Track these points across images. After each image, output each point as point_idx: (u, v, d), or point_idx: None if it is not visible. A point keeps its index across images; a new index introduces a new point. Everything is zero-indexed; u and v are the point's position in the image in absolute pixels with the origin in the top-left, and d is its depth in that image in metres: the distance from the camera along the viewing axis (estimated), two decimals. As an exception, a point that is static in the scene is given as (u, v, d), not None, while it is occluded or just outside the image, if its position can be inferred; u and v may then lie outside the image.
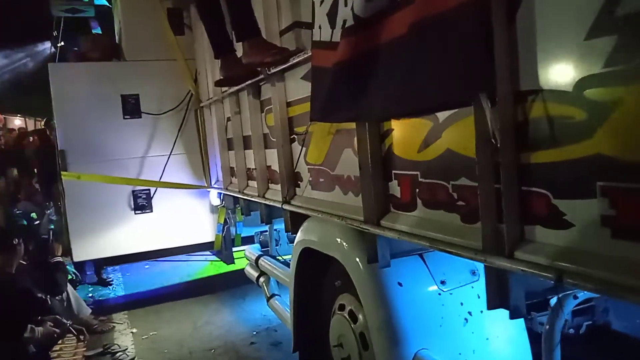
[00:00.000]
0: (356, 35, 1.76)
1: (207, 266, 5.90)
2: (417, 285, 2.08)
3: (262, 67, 2.69)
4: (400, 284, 2.07)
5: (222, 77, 3.03)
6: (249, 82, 3.14)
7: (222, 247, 5.10)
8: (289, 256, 4.01)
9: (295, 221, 2.84)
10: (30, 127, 16.78)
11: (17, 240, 3.74)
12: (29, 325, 3.40)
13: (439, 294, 2.03)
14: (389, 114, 1.79)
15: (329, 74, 1.95)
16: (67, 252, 4.84)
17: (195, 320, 4.61)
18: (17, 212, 7.14)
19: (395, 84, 1.58)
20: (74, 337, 3.86)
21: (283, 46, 2.61)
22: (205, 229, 5.09)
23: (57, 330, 3.60)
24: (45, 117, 8.06)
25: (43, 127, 7.33)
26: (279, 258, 3.79)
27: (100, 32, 6.08)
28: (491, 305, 1.41)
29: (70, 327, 3.74)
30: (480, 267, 1.84)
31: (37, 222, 6.67)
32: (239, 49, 2.94)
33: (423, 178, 1.70)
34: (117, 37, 5.51)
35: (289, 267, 3.48)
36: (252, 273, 3.98)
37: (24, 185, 8.46)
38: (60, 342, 3.99)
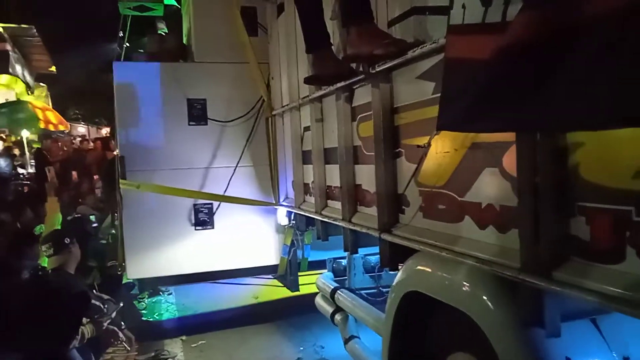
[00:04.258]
0: (539, 10, 1.22)
1: (266, 291, 5.41)
2: (592, 363, 1.53)
3: (369, 61, 2.17)
4: (569, 360, 1.49)
5: (312, 75, 2.54)
6: (341, 84, 2.65)
7: (287, 272, 4.58)
8: (366, 289, 3.51)
9: (395, 255, 2.32)
10: (93, 135, 17.15)
11: (68, 239, 3.54)
12: (80, 328, 3.27)
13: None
14: (590, 121, 1.20)
15: (476, 67, 1.42)
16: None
17: (243, 332, 4.59)
18: (76, 215, 6.98)
19: (606, 77, 1.02)
20: (126, 342, 3.74)
21: (398, 37, 2.09)
22: (269, 251, 4.60)
23: (112, 328, 3.54)
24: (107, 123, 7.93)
25: (107, 134, 7.17)
26: (359, 292, 3.24)
27: (167, 32, 5.79)
28: None
29: (122, 331, 3.65)
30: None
31: (95, 225, 6.44)
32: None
33: None
34: (185, 38, 5.18)
35: (372, 305, 2.99)
36: (326, 307, 3.42)
37: (84, 190, 8.37)
38: (112, 347, 3.93)
